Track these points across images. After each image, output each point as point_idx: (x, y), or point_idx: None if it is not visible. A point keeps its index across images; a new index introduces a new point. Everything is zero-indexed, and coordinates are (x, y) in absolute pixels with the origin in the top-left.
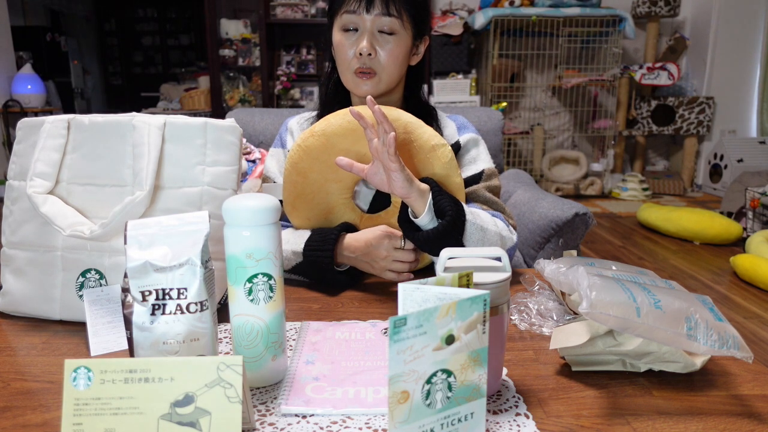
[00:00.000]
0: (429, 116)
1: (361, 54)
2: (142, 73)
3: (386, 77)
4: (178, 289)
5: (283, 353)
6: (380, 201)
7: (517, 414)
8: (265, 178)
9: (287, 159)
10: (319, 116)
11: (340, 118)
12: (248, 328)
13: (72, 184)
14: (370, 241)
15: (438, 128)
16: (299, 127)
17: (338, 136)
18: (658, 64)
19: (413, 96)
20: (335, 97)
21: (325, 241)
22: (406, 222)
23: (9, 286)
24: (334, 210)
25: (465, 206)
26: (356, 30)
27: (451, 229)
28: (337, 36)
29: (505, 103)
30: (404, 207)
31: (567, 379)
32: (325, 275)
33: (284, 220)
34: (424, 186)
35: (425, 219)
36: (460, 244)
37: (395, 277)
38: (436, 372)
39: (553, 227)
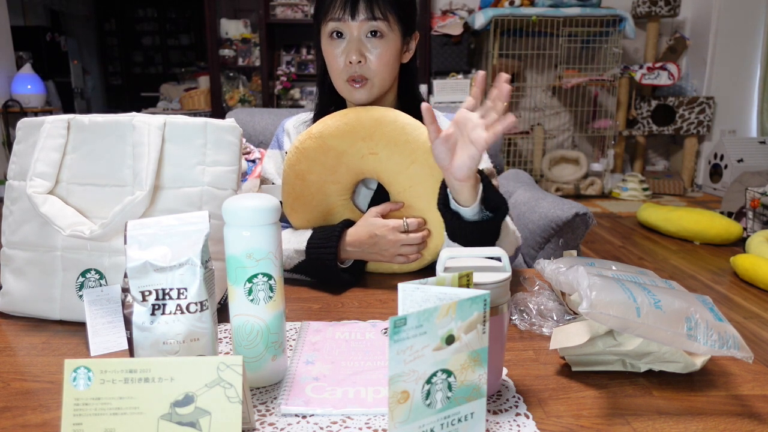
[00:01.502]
0: None
1: (351, 62)
2: (142, 73)
3: (379, 82)
4: (178, 289)
5: (283, 353)
6: (379, 202)
7: (517, 414)
8: (263, 180)
9: (285, 161)
10: (316, 118)
11: (336, 119)
12: (248, 328)
13: (72, 184)
14: (374, 231)
15: None
16: (296, 128)
17: (335, 137)
18: (658, 64)
19: (407, 94)
20: (330, 99)
21: (328, 239)
22: (446, 207)
23: (9, 286)
24: (334, 211)
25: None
26: (343, 36)
27: (500, 223)
28: (325, 43)
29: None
30: (443, 193)
31: (567, 379)
32: (329, 273)
33: (284, 221)
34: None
35: (475, 209)
36: (496, 239)
37: (405, 260)
38: (436, 372)
39: (553, 227)
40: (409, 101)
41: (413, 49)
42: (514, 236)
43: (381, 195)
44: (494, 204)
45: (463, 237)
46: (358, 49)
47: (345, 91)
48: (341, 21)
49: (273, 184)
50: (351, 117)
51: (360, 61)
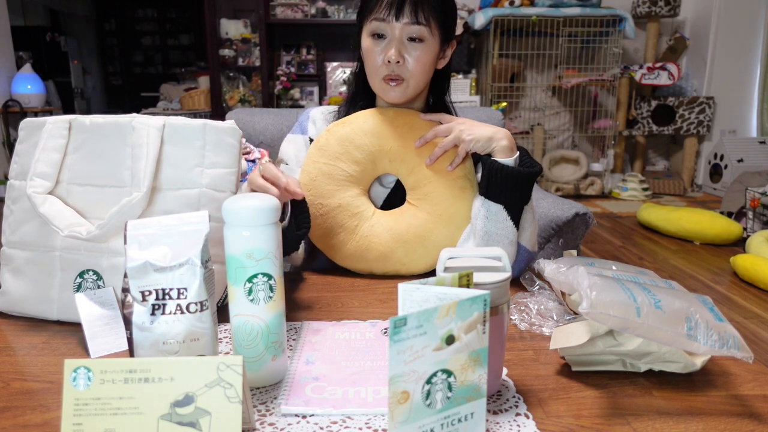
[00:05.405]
0: None
1: (389, 62)
2: (142, 73)
3: (414, 83)
4: (178, 289)
5: (283, 353)
6: (394, 201)
7: (517, 414)
8: (279, 160)
9: (314, 142)
10: (344, 111)
11: (369, 116)
12: (248, 328)
13: (72, 185)
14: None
15: None
16: (324, 117)
17: (368, 133)
18: (658, 64)
19: (438, 101)
20: (361, 97)
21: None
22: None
23: (8, 286)
24: (351, 195)
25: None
26: (385, 37)
27: (531, 180)
28: (365, 42)
29: (505, 103)
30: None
31: (567, 379)
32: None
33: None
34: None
35: (511, 162)
36: (518, 213)
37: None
38: (436, 372)
39: (553, 227)
40: (438, 107)
41: (449, 57)
42: (535, 235)
43: (396, 195)
44: (539, 165)
45: (497, 185)
46: (398, 50)
47: (380, 89)
48: (384, 21)
49: (287, 165)
50: (388, 114)
51: (398, 62)
